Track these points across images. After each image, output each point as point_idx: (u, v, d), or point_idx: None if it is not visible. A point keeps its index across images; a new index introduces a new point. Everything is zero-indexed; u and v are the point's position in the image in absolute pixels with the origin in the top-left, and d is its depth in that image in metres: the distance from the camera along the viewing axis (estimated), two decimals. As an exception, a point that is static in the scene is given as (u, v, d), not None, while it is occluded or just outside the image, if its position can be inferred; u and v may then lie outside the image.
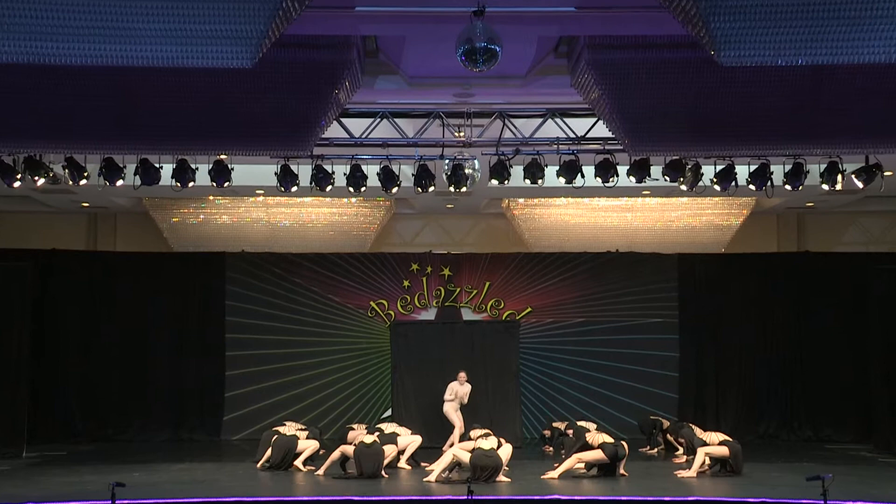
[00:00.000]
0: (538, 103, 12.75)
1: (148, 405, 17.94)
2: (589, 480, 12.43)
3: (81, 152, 12.34)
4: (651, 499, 11.10)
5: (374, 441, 12.83)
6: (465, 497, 9.78)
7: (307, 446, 13.64)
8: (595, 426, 14.70)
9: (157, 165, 12.77)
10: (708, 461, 13.04)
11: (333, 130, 12.43)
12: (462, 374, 15.93)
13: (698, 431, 13.74)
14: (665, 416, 16.75)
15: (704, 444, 13.11)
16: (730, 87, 10.15)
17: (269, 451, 13.69)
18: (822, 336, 18.15)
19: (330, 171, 13.34)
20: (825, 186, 13.04)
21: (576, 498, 11.16)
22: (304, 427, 14.62)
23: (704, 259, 18.59)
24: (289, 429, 14.08)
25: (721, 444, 13.06)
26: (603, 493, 11.49)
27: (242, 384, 18.11)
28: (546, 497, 11.11)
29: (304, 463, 13.52)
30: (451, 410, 15.74)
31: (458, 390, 15.80)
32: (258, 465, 13.76)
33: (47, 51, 7.96)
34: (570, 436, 14.64)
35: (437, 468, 12.44)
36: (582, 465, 12.96)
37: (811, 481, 9.30)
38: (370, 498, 11.28)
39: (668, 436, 15.68)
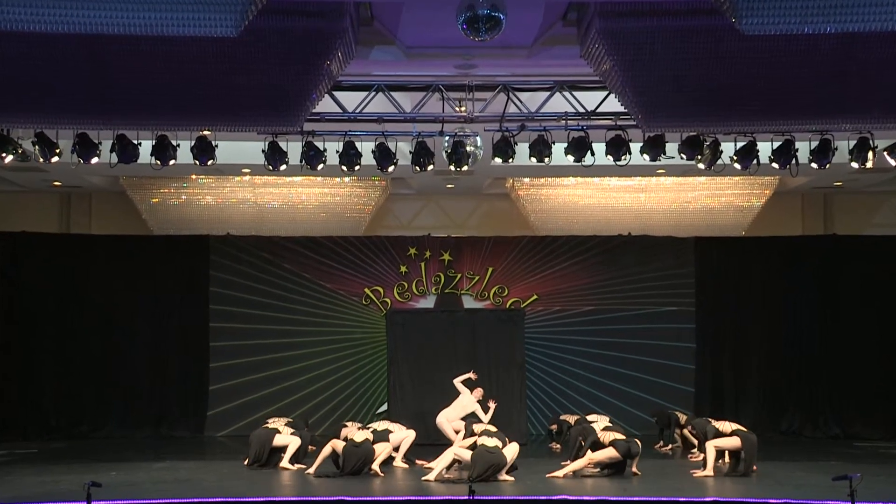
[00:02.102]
0: (545, 75, 12.70)
1: (126, 399, 17.96)
2: (598, 480, 12.44)
3: (53, 127, 12.31)
4: (665, 499, 11.09)
5: (366, 439, 12.83)
6: (467, 497, 9.80)
7: (287, 442, 13.57)
8: (608, 419, 14.68)
9: (135, 142, 12.74)
10: (724, 457, 13.02)
11: (325, 105, 12.40)
12: (479, 391, 15.14)
13: (713, 422, 13.58)
14: (682, 410, 16.59)
15: (717, 433, 13.05)
16: (752, 57, 10.10)
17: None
18: (850, 325, 18.16)
19: (321, 149, 13.32)
20: (854, 164, 13.04)
21: (585, 498, 11.16)
22: (290, 421, 14.63)
23: (723, 243, 18.59)
24: (272, 423, 14.04)
25: (733, 433, 12.96)
26: (614, 493, 11.50)
27: (228, 377, 18.14)
28: (553, 497, 11.13)
29: (293, 461, 13.53)
30: (446, 422, 14.94)
31: (466, 403, 15.02)
32: (245, 463, 13.79)
33: (17, 16, 7.93)
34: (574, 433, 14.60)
35: (437, 467, 12.46)
36: (593, 466, 12.97)
37: (838, 481, 9.32)
38: (364, 498, 11.29)
39: (685, 430, 15.67)
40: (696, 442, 14.99)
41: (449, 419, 14.99)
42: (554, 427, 16.39)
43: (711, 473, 12.74)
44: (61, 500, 10.93)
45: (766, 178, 17.54)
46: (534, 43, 11.22)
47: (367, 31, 11.04)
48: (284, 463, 13.42)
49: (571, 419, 15.67)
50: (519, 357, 17.07)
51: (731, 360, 18.41)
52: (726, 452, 13.05)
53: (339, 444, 12.95)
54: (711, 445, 12.95)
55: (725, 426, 13.15)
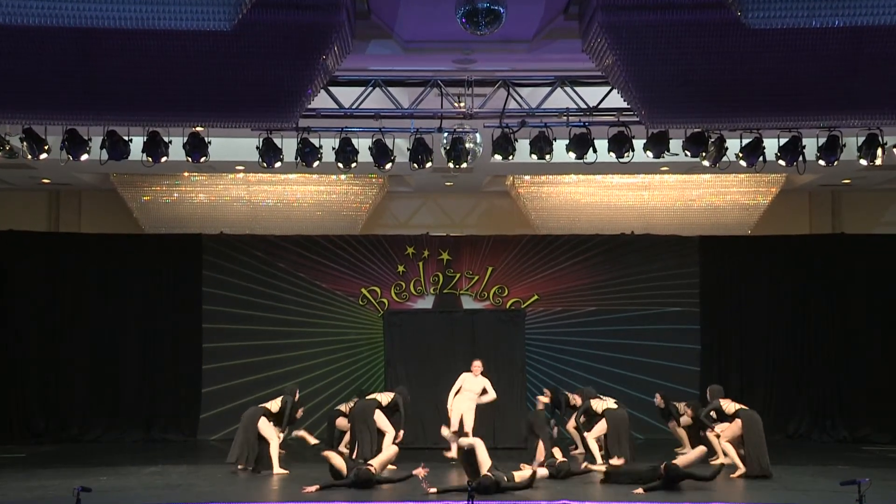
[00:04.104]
0: (546, 70, 12.70)
1: (116, 402, 17.97)
2: (601, 486, 12.42)
3: (41, 123, 12.28)
4: (670, 505, 11.16)
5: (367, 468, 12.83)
6: (466, 503, 9.82)
7: (269, 436, 13.50)
8: (613, 400, 14.59)
9: (125, 138, 12.71)
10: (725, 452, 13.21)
11: (321, 100, 12.37)
12: (477, 364, 15.00)
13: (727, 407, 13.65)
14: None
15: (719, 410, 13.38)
16: (758, 52, 10.07)
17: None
18: (858, 326, 18.18)
19: (317, 145, 13.32)
20: (863, 161, 13.03)
21: (585, 503, 11.20)
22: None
23: (729, 242, 18.60)
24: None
25: (735, 414, 13.34)
26: (616, 498, 11.52)
27: (220, 379, 18.14)
28: (555, 502, 11.14)
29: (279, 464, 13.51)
30: (454, 404, 14.76)
31: (470, 382, 14.90)
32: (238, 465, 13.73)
33: (6, 9, 7.92)
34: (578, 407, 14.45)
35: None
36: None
37: (846, 486, 9.33)
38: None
39: (677, 426, 15.73)
40: (683, 435, 15.13)
41: (459, 406, 14.83)
42: (546, 398, 15.17)
43: (743, 469, 13.04)
44: (50, 506, 10.97)
45: (772, 176, 17.54)
46: (534, 37, 11.21)
47: (364, 25, 11.02)
48: (276, 467, 13.41)
49: (576, 399, 15.50)
50: (519, 359, 17.07)
51: (736, 362, 18.41)
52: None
53: (336, 459, 12.79)
54: (727, 443, 13.26)
55: (729, 406, 13.48)
